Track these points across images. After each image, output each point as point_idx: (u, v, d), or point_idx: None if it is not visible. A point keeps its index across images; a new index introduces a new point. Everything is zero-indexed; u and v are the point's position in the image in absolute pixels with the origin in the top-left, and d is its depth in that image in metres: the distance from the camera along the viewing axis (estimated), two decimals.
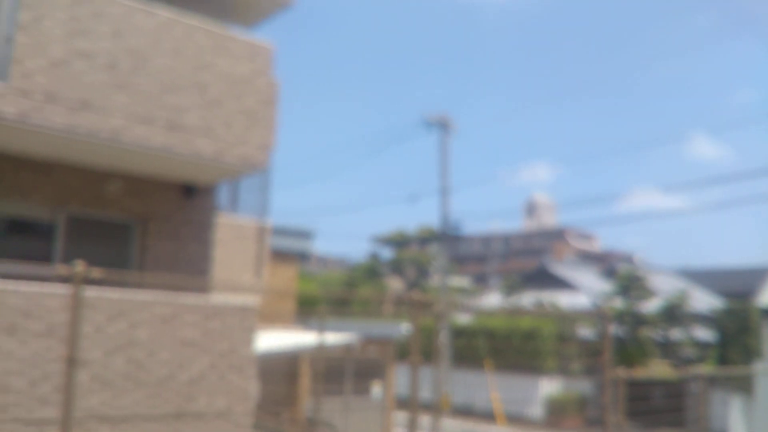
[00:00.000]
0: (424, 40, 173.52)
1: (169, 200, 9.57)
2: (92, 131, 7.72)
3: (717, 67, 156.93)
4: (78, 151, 8.27)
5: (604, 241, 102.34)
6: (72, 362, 6.12)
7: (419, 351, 8.27)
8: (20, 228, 8.84)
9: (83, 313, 6.88)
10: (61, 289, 6.90)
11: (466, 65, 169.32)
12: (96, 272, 6.39)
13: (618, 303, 30.27)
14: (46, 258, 8.64)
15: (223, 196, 13.67)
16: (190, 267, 9.61)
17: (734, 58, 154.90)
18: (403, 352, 18.71)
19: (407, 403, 8.63)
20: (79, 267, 6.27)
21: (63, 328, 6.80)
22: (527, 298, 34.39)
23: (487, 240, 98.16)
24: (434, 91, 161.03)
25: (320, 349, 13.32)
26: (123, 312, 7.46)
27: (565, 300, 33.84)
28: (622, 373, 9.84)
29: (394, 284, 52.39)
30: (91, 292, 7.02)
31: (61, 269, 6.45)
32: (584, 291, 36.52)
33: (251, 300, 8.56)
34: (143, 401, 7.53)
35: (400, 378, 21.67)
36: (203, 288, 9.39)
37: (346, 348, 18.19)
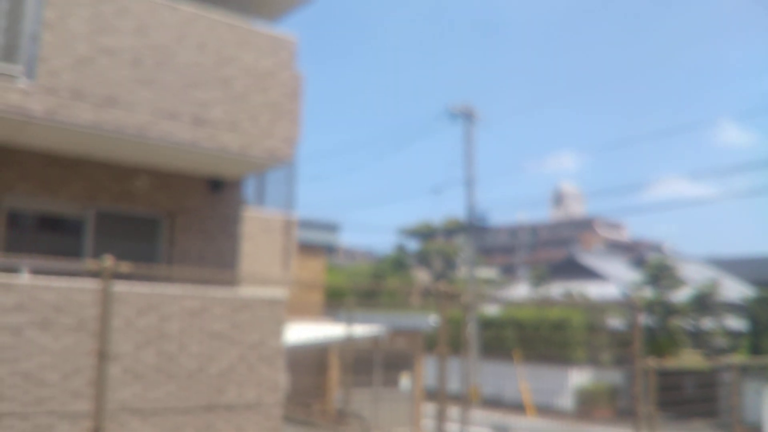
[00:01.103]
0: (449, 31, 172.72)
1: (196, 195, 9.63)
2: (118, 127, 7.78)
3: (745, 53, 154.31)
4: (105, 147, 8.35)
5: (632, 230, 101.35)
6: (102, 356, 6.18)
7: (447, 342, 8.25)
8: (50, 224, 8.95)
9: (114, 308, 6.94)
10: (91, 284, 6.97)
11: (492, 55, 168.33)
12: (124, 267, 6.44)
13: (648, 292, 29.99)
14: (75, 253, 8.74)
15: (249, 189, 13.73)
16: (218, 261, 9.66)
17: (763, 44, 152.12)
18: (431, 343, 18.69)
19: (436, 395, 8.62)
20: (108, 262, 6.32)
21: (94, 322, 6.87)
22: (556, 289, 34.19)
23: (514, 230, 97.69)
24: (459, 82, 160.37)
25: (349, 341, 13.35)
26: (153, 306, 7.52)
27: (594, 290, 33.59)
28: (652, 363, 9.73)
29: (421, 276, 52.38)
30: (120, 287, 7.08)
31: (90, 264, 6.51)
32: (613, 281, 36.20)
33: (280, 292, 8.58)
34: (174, 394, 7.59)
35: (428, 369, 21.67)
36: (232, 281, 9.45)
37: (375, 340, 18.22)
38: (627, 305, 26.96)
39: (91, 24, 7.73)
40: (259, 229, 13.42)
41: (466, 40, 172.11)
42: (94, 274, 6.55)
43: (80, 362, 7.01)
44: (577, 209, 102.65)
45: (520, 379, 28.65)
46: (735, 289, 34.84)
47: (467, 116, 27.59)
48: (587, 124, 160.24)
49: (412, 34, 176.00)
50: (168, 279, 8.34)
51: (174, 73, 8.22)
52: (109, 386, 6.80)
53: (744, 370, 22.04)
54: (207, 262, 9.56)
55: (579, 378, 28.44)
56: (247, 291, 8.71)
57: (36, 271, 7.53)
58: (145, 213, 9.37)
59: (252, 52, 8.83)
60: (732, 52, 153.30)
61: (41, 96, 7.34)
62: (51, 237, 9.00)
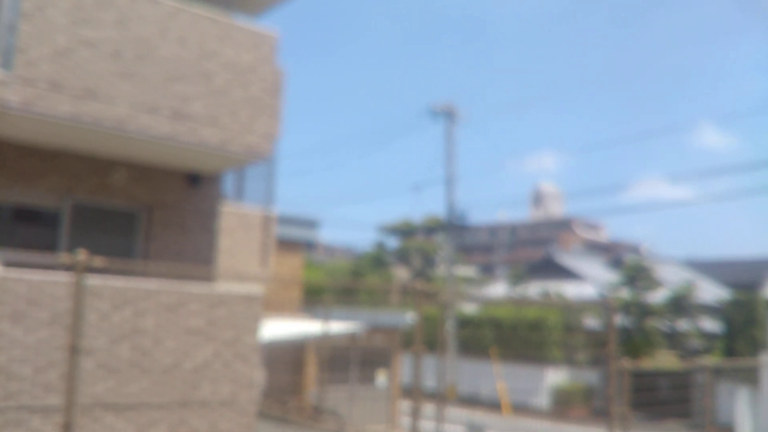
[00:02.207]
0: (432, 29, 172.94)
1: (175, 189, 9.58)
2: (97, 120, 7.73)
3: (725, 57, 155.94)
4: (83, 139, 8.28)
5: (610, 231, 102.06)
6: (74, 350, 6.14)
7: (424, 340, 8.28)
8: (26, 216, 8.86)
9: (88, 301, 6.90)
10: (65, 277, 6.92)
11: (474, 54, 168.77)
12: (98, 261, 6.40)
13: (624, 293, 30.23)
14: (51, 246, 8.67)
15: (228, 184, 13.67)
16: (196, 255, 9.63)
17: (742, 48, 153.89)
18: (409, 340, 18.75)
19: (412, 392, 8.65)
20: (81, 256, 6.28)
21: (67, 315, 6.82)
22: (533, 288, 34.37)
23: (493, 229, 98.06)
24: (441, 81, 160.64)
25: (325, 338, 13.35)
26: (128, 300, 7.48)
27: (571, 290, 33.81)
28: (627, 364, 9.83)
29: (401, 273, 52.44)
30: (95, 281, 7.04)
31: (63, 258, 6.47)
32: (591, 281, 36.47)
33: (256, 288, 8.57)
34: (149, 389, 7.56)
35: (405, 367, 21.72)
36: (209, 277, 9.41)
37: (352, 337, 18.23)
38: (603, 306, 27.18)
39: (71, 15, 7.67)
40: (238, 225, 13.38)
41: (450, 40, 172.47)
42: (69, 268, 6.51)
43: (53, 356, 6.96)
44: (557, 209, 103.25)
45: (497, 377, 28.81)
46: (711, 292, 35.22)
47: (449, 115, 27.67)
48: (568, 125, 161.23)
49: (395, 33, 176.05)
50: (144, 274, 8.30)
51: (154, 66, 8.17)
52: (82, 381, 6.76)
53: (718, 372, 22.31)
54: (184, 256, 9.52)
55: (555, 377, 28.65)
56: (223, 287, 8.69)
57: (10, 264, 7.47)
58: (123, 206, 9.31)
59: (233, 47, 8.80)
60: (712, 56, 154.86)
61: (18, 87, 7.27)
62: (27, 229, 8.91)
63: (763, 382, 20.19)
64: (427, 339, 8.50)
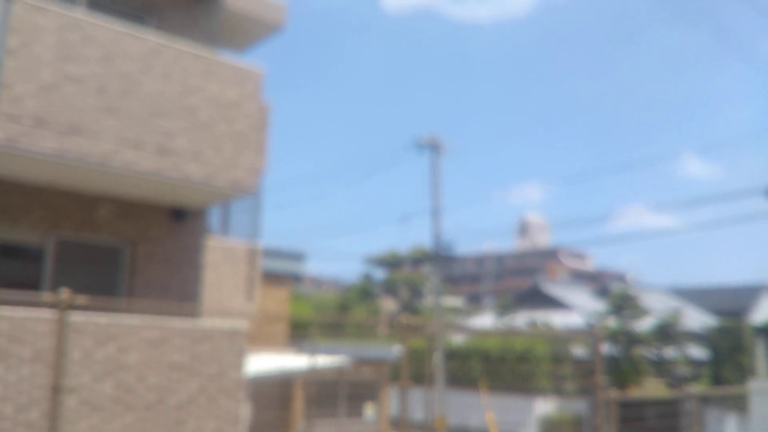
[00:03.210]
0: (417, 62, 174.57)
1: (159, 224, 9.57)
2: (82, 156, 7.73)
3: (707, 88, 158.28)
4: (67, 175, 8.28)
5: (596, 260, 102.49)
6: (57, 389, 6.08)
7: (412, 372, 8.27)
8: (9, 252, 8.80)
9: (72, 338, 6.85)
10: (48, 314, 6.87)
11: (459, 86, 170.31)
12: (81, 299, 6.36)
13: (611, 322, 30.25)
14: (35, 282, 8.61)
15: (214, 218, 13.68)
16: (180, 290, 9.59)
17: (724, 79, 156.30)
18: (396, 373, 18.66)
19: (399, 425, 8.60)
20: (64, 294, 6.25)
21: (50, 353, 6.76)
22: (521, 318, 34.34)
23: (480, 260, 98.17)
24: (426, 113, 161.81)
25: (312, 372, 13.27)
26: (111, 336, 7.43)
27: (558, 320, 33.80)
28: (613, 394, 9.82)
29: (388, 305, 52.27)
30: (78, 317, 6.99)
31: (46, 297, 6.43)
32: (577, 310, 36.50)
33: (240, 323, 8.54)
34: (132, 425, 7.48)
35: (393, 400, 21.57)
36: (193, 312, 9.37)
37: (339, 370, 18.12)
38: (589, 335, 27.18)
39: (56, 51, 7.71)
40: (223, 259, 13.34)
41: (435, 74, 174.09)
42: (52, 306, 6.47)
43: (35, 394, 6.88)
44: (543, 239, 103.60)
45: (486, 408, 28.64)
46: (697, 319, 35.33)
47: (434, 147, 27.83)
48: (552, 156, 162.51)
49: (381, 66, 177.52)
50: (128, 309, 8.25)
51: (139, 102, 8.21)
52: (65, 419, 6.69)
53: (705, 400, 22.31)
54: (169, 291, 9.47)
55: (544, 407, 28.52)
56: (207, 322, 8.64)
57: None
58: (108, 242, 9.28)
59: (218, 83, 8.87)
60: (693, 85, 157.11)
61: (3, 123, 7.27)
62: (10, 265, 8.85)
63: (751, 409, 20.20)
64: (415, 371, 8.49)
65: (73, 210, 8.89)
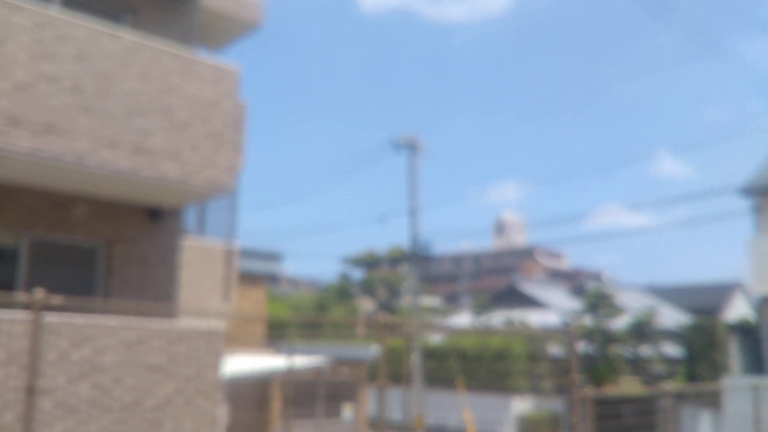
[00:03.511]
0: (395, 62, 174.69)
1: (135, 224, 9.50)
2: (57, 155, 7.65)
3: (681, 88, 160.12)
4: (42, 174, 8.19)
5: (572, 259, 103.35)
6: (31, 391, 6.01)
7: (390, 372, 8.27)
8: None
9: (47, 339, 6.78)
10: (22, 315, 6.79)
11: (436, 86, 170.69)
12: (56, 299, 6.30)
13: (587, 321, 30.50)
14: (9, 283, 8.51)
15: (190, 218, 13.59)
16: (157, 290, 9.52)
17: (698, 79, 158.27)
18: (374, 373, 18.66)
19: (376, 425, 8.61)
20: (39, 294, 6.18)
21: (25, 354, 6.68)
22: (497, 317, 34.51)
23: (457, 259, 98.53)
24: (404, 113, 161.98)
25: (290, 373, 13.23)
26: (87, 337, 7.36)
27: (535, 318, 34.01)
28: (589, 392, 9.91)
29: (366, 305, 52.29)
30: (54, 318, 6.92)
31: (20, 297, 6.35)
32: (554, 309, 36.75)
33: (217, 324, 8.50)
34: (109, 428, 7.41)
35: (371, 400, 21.58)
36: (169, 312, 9.31)
37: (317, 371, 18.09)
38: (565, 334, 27.38)
39: (30, 50, 7.63)
40: (199, 259, 13.26)
41: (412, 73, 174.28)
42: (26, 307, 6.40)
43: (9, 397, 6.80)
44: (519, 239, 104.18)
45: (463, 407, 28.74)
46: (672, 317, 35.72)
47: (411, 147, 27.85)
48: (530, 154, 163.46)
49: (358, 65, 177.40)
50: (104, 310, 8.18)
51: (115, 101, 8.14)
52: (40, 422, 6.61)
53: (680, 397, 22.56)
54: (145, 291, 9.41)
55: (521, 406, 28.68)
56: (184, 322, 8.60)
57: None
58: (83, 242, 9.19)
59: (194, 82, 8.82)
60: (669, 85, 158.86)
61: None
62: None
63: (725, 405, 20.47)
64: (393, 371, 8.52)
65: (47, 210, 8.80)
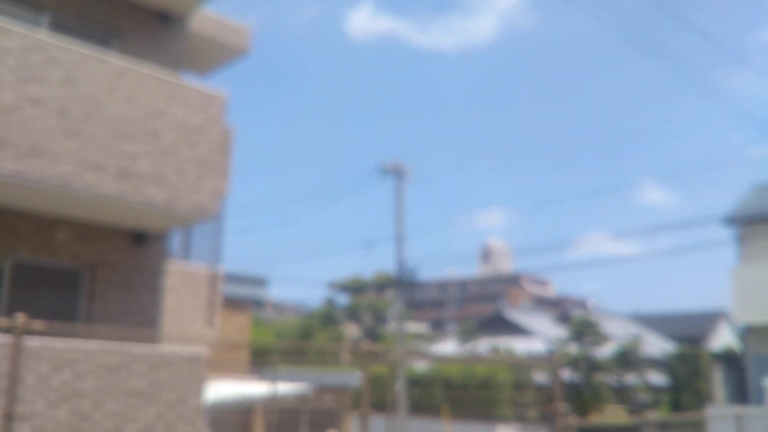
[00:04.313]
0: (382, 88, 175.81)
1: (119, 247, 9.45)
2: (42, 178, 7.63)
3: (665, 118, 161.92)
4: (26, 197, 8.15)
5: (558, 286, 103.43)
6: (9, 417, 5.94)
7: (374, 400, 8.23)
8: None
9: (26, 364, 6.70)
10: (3, 339, 6.71)
11: (423, 113, 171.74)
12: (38, 324, 6.24)
13: (573, 348, 30.49)
14: None
15: (175, 242, 13.54)
16: (140, 314, 9.45)
17: (681, 109, 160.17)
18: (358, 400, 18.55)
19: None
20: (20, 319, 6.12)
21: (3, 379, 6.59)
22: (483, 345, 34.43)
23: (443, 285, 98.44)
24: (391, 140, 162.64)
25: (273, 400, 13.13)
26: (68, 362, 7.28)
27: (520, 346, 33.96)
28: (572, 420, 9.89)
29: (351, 330, 52.03)
30: (34, 342, 6.85)
31: (1, 321, 6.29)
32: (539, 336, 36.73)
33: (200, 349, 8.43)
34: None
35: (355, 427, 21.40)
36: (152, 337, 9.23)
37: (301, 397, 17.95)
38: (549, 362, 27.36)
39: (17, 72, 7.63)
40: (184, 283, 13.19)
41: (399, 101, 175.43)
42: (6, 331, 6.33)
43: None
44: (505, 265, 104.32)
45: None
46: (657, 345, 35.77)
47: (398, 173, 27.95)
48: (515, 183, 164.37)
49: (345, 92, 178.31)
50: (86, 335, 8.11)
51: (101, 125, 8.14)
52: None
53: (664, 426, 22.53)
54: (128, 316, 9.34)
55: None
56: (166, 347, 8.52)
57: None
58: (66, 265, 9.13)
59: (181, 107, 8.84)
60: (652, 115, 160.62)
61: None
62: None
63: None
64: (377, 398, 8.46)
65: (31, 233, 8.74)
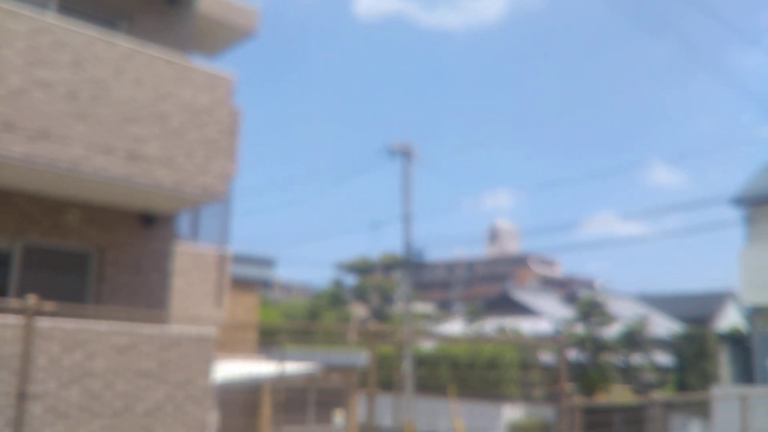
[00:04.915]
0: (389, 68, 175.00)
1: (128, 229, 9.53)
2: (51, 161, 7.69)
3: (674, 98, 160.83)
4: (36, 180, 8.22)
5: (565, 267, 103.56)
6: (22, 396, 6.04)
7: (381, 379, 8.33)
8: None
9: (38, 344, 6.81)
10: (14, 320, 6.81)
11: (430, 93, 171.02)
12: (48, 306, 6.33)
13: (579, 329, 30.57)
14: (2, 287, 8.53)
15: (183, 223, 13.61)
16: (149, 296, 9.55)
17: (690, 89, 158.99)
18: (366, 380, 18.69)
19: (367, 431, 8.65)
20: (31, 301, 6.21)
21: (16, 359, 6.70)
22: (490, 325, 34.54)
23: (450, 266, 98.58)
24: (398, 119, 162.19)
25: (281, 379, 13.26)
26: (78, 343, 7.38)
27: (527, 326, 34.06)
28: (578, 401, 9.98)
29: (358, 311, 52.26)
30: (45, 323, 6.94)
31: (12, 303, 6.38)
32: (546, 317, 36.82)
33: (208, 330, 8.53)
34: None
35: (363, 406, 21.59)
36: (161, 318, 9.33)
37: (308, 377, 18.11)
38: (555, 342, 27.46)
39: (26, 56, 7.67)
40: (192, 264, 13.29)
41: (406, 80, 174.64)
42: (18, 312, 6.42)
43: (1, 401, 6.81)
44: (513, 246, 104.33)
45: (455, 415, 28.76)
46: (664, 326, 35.81)
47: (405, 154, 27.91)
48: (523, 163, 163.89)
49: (353, 72, 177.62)
50: (96, 315, 8.21)
51: (110, 107, 8.19)
52: (30, 426, 6.64)
53: (670, 406, 22.64)
54: (137, 297, 9.44)
55: (512, 414, 28.70)
56: (175, 328, 8.62)
57: None
58: (76, 247, 9.22)
59: (189, 89, 8.87)
60: (661, 95, 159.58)
61: None
62: None
63: (714, 415, 20.54)
64: (384, 378, 8.55)
65: (41, 215, 8.83)
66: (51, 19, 8.07)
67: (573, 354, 29.18)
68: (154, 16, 10.18)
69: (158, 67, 8.65)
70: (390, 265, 53.43)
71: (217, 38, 12.56)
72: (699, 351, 27.92)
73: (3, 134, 7.38)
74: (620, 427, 23.50)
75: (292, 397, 17.74)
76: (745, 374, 24.02)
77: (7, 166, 7.65)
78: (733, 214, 22.27)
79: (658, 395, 17.15)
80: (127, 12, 9.93)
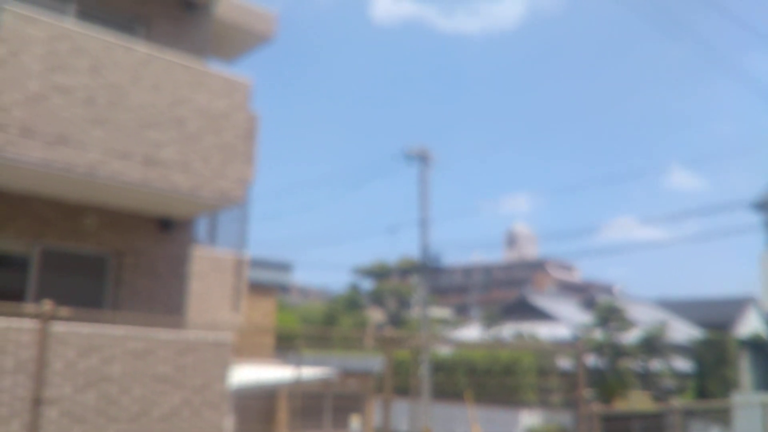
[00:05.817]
0: (407, 73, 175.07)
1: (146, 234, 9.55)
2: (69, 166, 7.72)
3: (694, 101, 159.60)
4: (54, 184, 8.26)
5: (584, 272, 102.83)
6: (38, 401, 6.05)
7: (397, 384, 8.28)
8: None
9: (54, 349, 6.82)
10: (30, 324, 6.83)
11: (448, 97, 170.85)
12: (64, 311, 6.34)
13: (598, 334, 30.33)
14: (20, 291, 8.57)
15: (201, 228, 13.65)
16: (166, 300, 9.56)
17: (710, 93, 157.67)
18: (382, 385, 18.66)
19: None
20: (47, 306, 6.22)
21: (32, 363, 6.72)
22: (507, 330, 34.36)
23: (468, 271, 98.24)
24: (416, 124, 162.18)
25: (297, 384, 13.24)
26: (95, 347, 7.40)
27: (545, 331, 33.84)
28: (596, 407, 9.87)
29: (375, 315, 52.21)
30: (61, 327, 6.96)
31: (29, 308, 6.40)
32: (564, 322, 36.58)
33: (225, 335, 8.52)
34: None
35: (379, 412, 21.54)
36: (178, 323, 9.34)
37: (325, 382, 18.08)
38: (573, 348, 27.27)
39: (45, 61, 7.71)
40: (210, 269, 13.31)
41: (424, 85, 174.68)
42: (35, 316, 6.44)
43: (16, 405, 6.84)
44: (531, 251, 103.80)
45: (472, 421, 28.63)
46: (683, 331, 35.46)
47: (422, 158, 27.87)
48: (541, 167, 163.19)
49: (370, 77, 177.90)
50: (112, 320, 8.23)
51: (127, 112, 8.21)
52: (46, 431, 6.65)
53: (689, 413, 22.38)
54: (155, 301, 9.45)
55: (530, 420, 28.52)
56: (192, 333, 8.62)
57: None
58: (93, 251, 9.25)
59: (206, 94, 8.88)
60: (681, 99, 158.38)
61: None
62: None
63: (734, 422, 20.28)
64: (400, 383, 8.51)
65: (58, 219, 8.87)
66: (70, 25, 8.12)
67: (591, 360, 28.95)
68: (172, 21, 10.22)
69: (175, 72, 8.67)
70: (407, 269, 53.34)
71: (234, 43, 12.58)
72: (719, 357, 27.60)
73: (21, 139, 7.43)
74: None
75: (308, 402, 17.73)
76: (766, 381, 23.70)
77: (26, 170, 7.69)
78: (754, 218, 22.02)
79: (678, 402, 16.95)
80: (144, 17, 9.97)
